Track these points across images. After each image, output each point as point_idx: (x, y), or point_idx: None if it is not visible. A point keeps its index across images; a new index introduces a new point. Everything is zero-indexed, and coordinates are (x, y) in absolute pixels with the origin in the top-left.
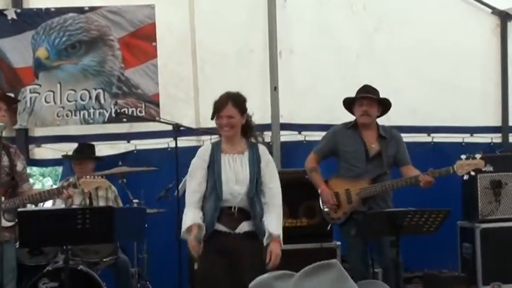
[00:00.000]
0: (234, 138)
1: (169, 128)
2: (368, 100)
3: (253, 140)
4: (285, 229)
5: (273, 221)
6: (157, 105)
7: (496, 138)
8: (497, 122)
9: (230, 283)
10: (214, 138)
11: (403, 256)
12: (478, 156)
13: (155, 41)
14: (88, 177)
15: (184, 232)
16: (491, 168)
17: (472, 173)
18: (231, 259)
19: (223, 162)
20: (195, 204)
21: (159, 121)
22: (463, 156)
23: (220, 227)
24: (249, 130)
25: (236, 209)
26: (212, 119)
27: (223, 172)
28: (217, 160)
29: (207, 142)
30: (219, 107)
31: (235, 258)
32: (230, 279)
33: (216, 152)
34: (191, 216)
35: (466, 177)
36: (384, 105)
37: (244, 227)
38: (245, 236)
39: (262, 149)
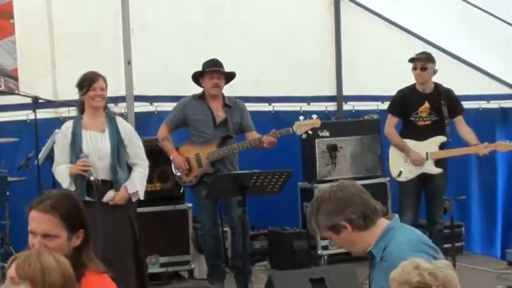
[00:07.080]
0: (100, 111)
1: (29, 101)
2: (218, 73)
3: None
4: None
5: (132, 178)
6: (17, 79)
7: (331, 106)
8: (332, 91)
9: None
10: (72, 110)
11: (249, 215)
12: (314, 116)
13: (13, 18)
14: None
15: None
16: (327, 134)
17: (310, 132)
18: (98, 229)
19: (85, 138)
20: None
21: (19, 94)
22: (301, 118)
23: (86, 198)
24: (106, 106)
25: (99, 181)
26: (83, 93)
27: (84, 148)
28: (79, 135)
29: (65, 114)
30: (93, 80)
31: (101, 228)
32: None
33: (77, 127)
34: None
35: (304, 136)
36: (229, 77)
37: (109, 196)
38: (109, 205)
39: (120, 121)
